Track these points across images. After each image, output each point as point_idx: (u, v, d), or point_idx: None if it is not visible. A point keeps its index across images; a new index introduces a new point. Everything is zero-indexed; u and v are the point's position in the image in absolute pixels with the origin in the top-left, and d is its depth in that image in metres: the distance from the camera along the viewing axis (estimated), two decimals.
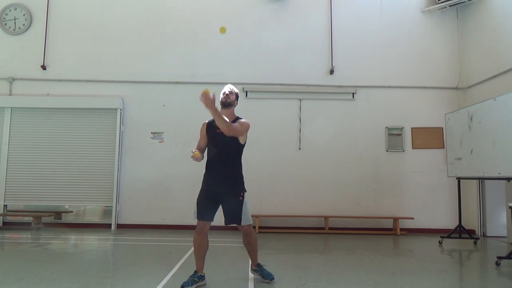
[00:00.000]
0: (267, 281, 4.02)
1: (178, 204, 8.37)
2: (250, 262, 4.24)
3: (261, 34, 8.80)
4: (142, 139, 8.55)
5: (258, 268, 4.11)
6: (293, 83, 8.68)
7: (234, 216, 3.86)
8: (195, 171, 8.41)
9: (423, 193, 8.42)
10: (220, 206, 3.95)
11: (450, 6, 8.53)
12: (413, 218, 8.25)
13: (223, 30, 3.81)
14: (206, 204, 3.93)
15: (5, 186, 8.42)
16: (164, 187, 8.43)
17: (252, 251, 4.10)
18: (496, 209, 7.88)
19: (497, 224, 7.88)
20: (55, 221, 8.78)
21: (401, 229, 8.11)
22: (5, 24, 8.75)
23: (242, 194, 3.89)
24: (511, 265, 5.23)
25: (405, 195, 8.44)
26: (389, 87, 8.70)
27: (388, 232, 8.17)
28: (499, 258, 5.24)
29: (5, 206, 8.48)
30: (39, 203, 8.79)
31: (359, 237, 7.65)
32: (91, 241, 7.02)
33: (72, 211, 9.27)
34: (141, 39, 8.77)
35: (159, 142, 8.57)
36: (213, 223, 9.30)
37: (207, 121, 4.08)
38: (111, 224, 8.30)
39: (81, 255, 5.65)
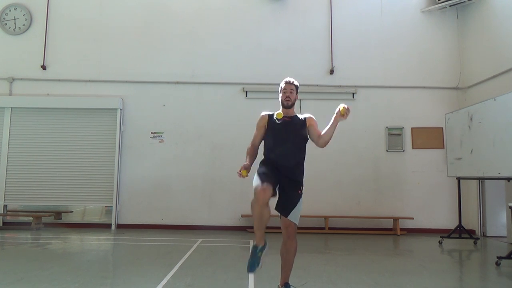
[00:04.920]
0: None
1: (178, 204, 8.38)
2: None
3: (261, 34, 8.80)
4: (142, 139, 8.55)
5: None
6: None
7: (286, 205, 3.50)
8: (195, 171, 8.48)
9: (423, 193, 8.42)
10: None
11: (450, 6, 8.53)
12: (413, 218, 8.25)
13: (280, 115, 3.67)
14: (271, 172, 3.42)
15: (5, 186, 8.42)
16: (164, 187, 8.42)
17: (288, 264, 3.59)
18: (496, 209, 7.87)
19: (497, 224, 7.87)
20: (55, 221, 8.78)
21: (401, 229, 8.11)
22: (5, 24, 8.75)
23: (301, 189, 3.59)
24: (511, 265, 5.23)
25: (405, 195, 8.44)
26: (389, 87, 8.69)
27: (388, 232, 8.16)
28: (499, 258, 5.24)
29: (5, 206, 8.48)
30: (39, 203, 8.79)
31: (359, 237, 7.65)
32: (91, 241, 7.02)
33: (72, 211, 9.27)
34: (141, 39, 8.76)
35: (159, 142, 8.57)
36: (213, 223, 9.30)
37: (266, 113, 3.73)
38: (111, 224, 8.29)
39: (81, 255, 5.65)
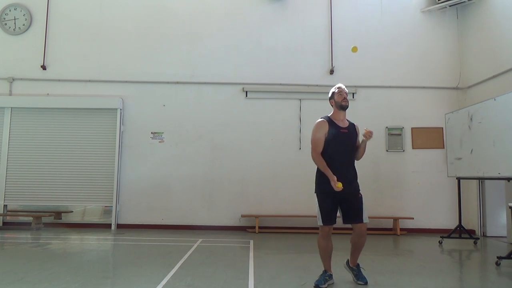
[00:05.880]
0: (361, 283, 4.04)
1: (178, 204, 8.38)
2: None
3: (261, 34, 8.80)
4: (142, 139, 8.55)
5: (356, 268, 4.17)
6: (293, 83, 8.68)
7: (356, 214, 3.89)
8: (195, 171, 8.48)
9: (423, 193, 8.42)
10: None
11: (450, 6, 8.53)
12: (413, 218, 8.25)
13: (355, 49, 3.83)
14: (332, 209, 3.89)
15: (5, 186, 8.42)
16: (164, 187, 8.42)
17: (359, 251, 4.13)
18: (496, 209, 7.87)
19: (497, 224, 7.87)
20: (55, 221, 8.78)
21: (401, 229, 8.11)
22: (5, 24, 8.75)
23: (360, 191, 3.97)
24: (511, 265, 5.23)
25: (405, 195, 8.44)
26: (389, 87, 8.69)
27: (388, 232, 8.16)
28: (499, 258, 5.24)
29: (5, 206, 8.48)
30: (39, 203, 8.79)
31: None
32: (91, 241, 7.02)
33: (72, 211, 9.27)
34: (141, 39, 8.76)
35: (159, 142, 8.57)
36: (213, 223, 9.30)
37: (323, 119, 4.02)
38: (111, 224, 8.30)
39: (81, 255, 5.65)
